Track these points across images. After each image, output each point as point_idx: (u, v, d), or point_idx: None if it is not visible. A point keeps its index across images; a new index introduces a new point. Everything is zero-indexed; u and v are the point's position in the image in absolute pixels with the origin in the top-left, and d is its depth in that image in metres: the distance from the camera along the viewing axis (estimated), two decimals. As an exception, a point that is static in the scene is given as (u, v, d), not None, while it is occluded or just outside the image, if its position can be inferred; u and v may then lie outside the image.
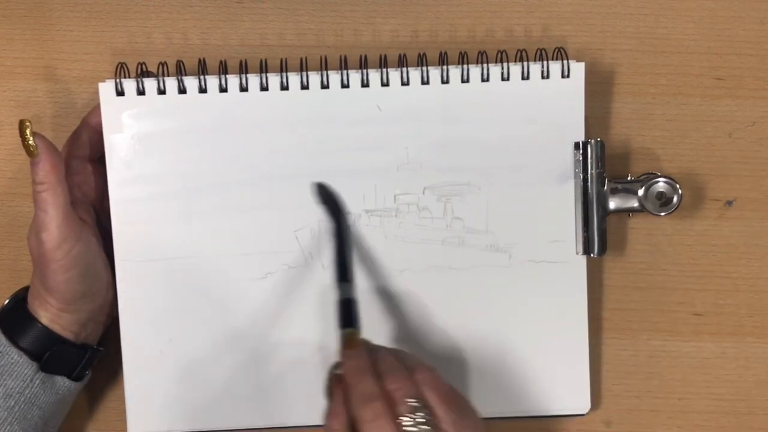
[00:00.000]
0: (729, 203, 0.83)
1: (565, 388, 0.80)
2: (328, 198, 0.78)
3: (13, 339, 0.74)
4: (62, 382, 0.76)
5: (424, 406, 0.65)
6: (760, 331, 0.83)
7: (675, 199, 0.78)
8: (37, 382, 0.75)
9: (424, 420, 0.65)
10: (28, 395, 0.74)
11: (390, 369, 0.68)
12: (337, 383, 0.68)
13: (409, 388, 0.66)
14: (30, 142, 0.70)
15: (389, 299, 0.79)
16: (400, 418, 0.64)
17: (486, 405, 0.80)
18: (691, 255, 0.83)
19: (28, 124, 0.70)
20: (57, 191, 0.71)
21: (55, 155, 0.72)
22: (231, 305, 0.79)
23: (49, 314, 0.74)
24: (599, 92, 0.82)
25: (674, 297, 0.83)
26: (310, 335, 0.79)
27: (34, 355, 0.74)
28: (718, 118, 0.82)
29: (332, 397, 0.68)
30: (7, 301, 0.77)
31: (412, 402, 0.65)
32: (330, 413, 0.67)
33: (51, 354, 0.75)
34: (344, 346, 0.70)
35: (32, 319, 0.74)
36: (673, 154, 0.83)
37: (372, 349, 0.70)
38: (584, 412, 0.81)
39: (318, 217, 0.78)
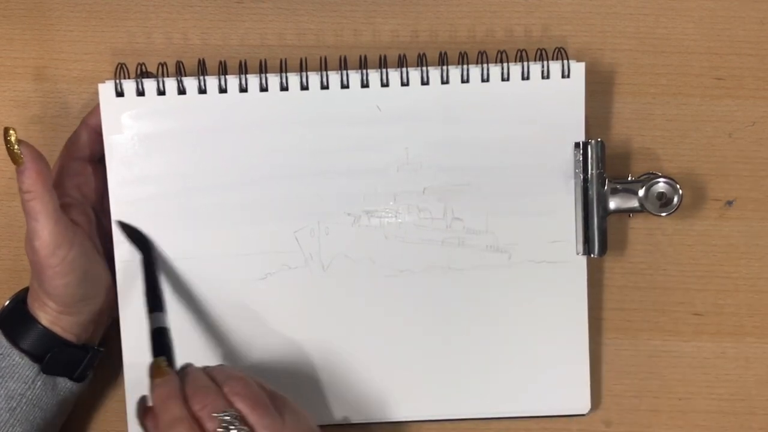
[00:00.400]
0: (729, 203, 0.83)
1: (565, 388, 0.80)
2: (131, 233, 0.78)
3: (14, 340, 0.74)
4: (64, 383, 0.76)
5: (236, 417, 0.65)
6: (760, 331, 0.83)
7: (675, 199, 0.78)
8: (39, 383, 0.74)
9: (235, 431, 0.65)
10: (30, 397, 0.74)
11: (196, 389, 0.67)
12: (146, 414, 0.68)
13: (216, 403, 0.66)
14: (15, 150, 0.69)
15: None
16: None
17: (486, 405, 0.80)
18: (691, 255, 0.83)
19: (12, 132, 0.69)
20: (45, 199, 0.70)
21: (40, 163, 0.70)
22: (231, 305, 0.79)
23: (49, 316, 0.74)
24: (599, 92, 0.82)
25: (674, 297, 0.83)
26: (310, 335, 0.79)
27: (35, 356, 0.74)
28: (718, 118, 0.82)
29: (145, 427, 0.68)
30: (7, 302, 0.77)
31: (220, 416, 0.65)
32: None
33: (52, 356, 0.74)
34: (152, 375, 0.69)
35: (33, 321, 0.74)
36: (673, 154, 0.83)
37: (185, 374, 0.69)
38: (584, 412, 0.81)
39: (318, 218, 0.78)
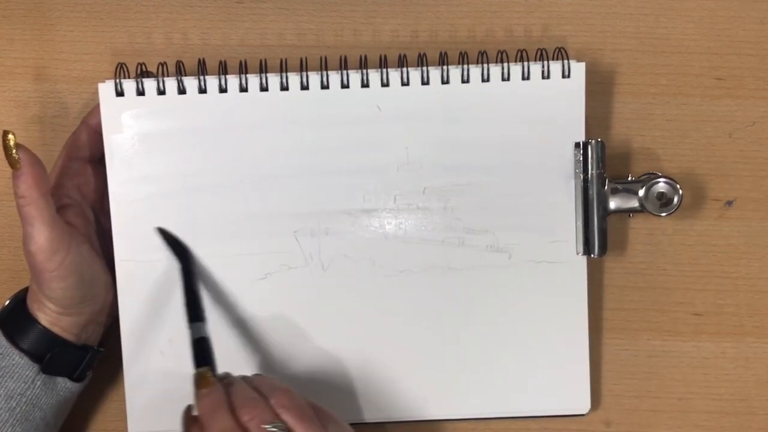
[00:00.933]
0: (729, 203, 0.83)
1: (565, 389, 0.80)
2: (171, 240, 0.78)
3: (14, 340, 0.74)
4: (63, 383, 0.76)
5: (283, 429, 0.66)
6: (760, 331, 0.83)
7: (675, 199, 0.78)
8: (39, 383, 0.75)
9: None
10: (30, 397, 0.74)
11: (244, 400, 0.68)
12: (193, 424, 0.68)
13: (264, 414, 0.66)
14: (13, 154, 0.69)
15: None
16: None
17: (486, 405, 0.80)
18: (691, 255, 0.83)
19: (11, 136, 0.69)
20: (40, 205, 0.70)
21: (38, 169, 0.70)
22: (231, 305, 0.78)
23: (48, 317, 0.74)
24: (599, 92, 0.82)
25: (674, 297, 0.83)
26: (309, 335, 0.79)
27: (35, 356, 0.74)
28: (718, 118, 0.83)
29: None
30: (7, 302, 0.77)
31: (269, 427, 0.65)
32: None
33: (52, 356, 0.74)
34: (198, 386, 0.70)
35: (32, 321, 0.74)
36: (673, 154, 0.83)
37: (228, 383, 0.70)
38: (584, 412, 0.81)
39: (318, 218, 0.78)
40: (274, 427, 0.66)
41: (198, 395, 0.69)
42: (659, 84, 0.82)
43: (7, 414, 0.73)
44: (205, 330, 0.74)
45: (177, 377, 0.79)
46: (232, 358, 0.79)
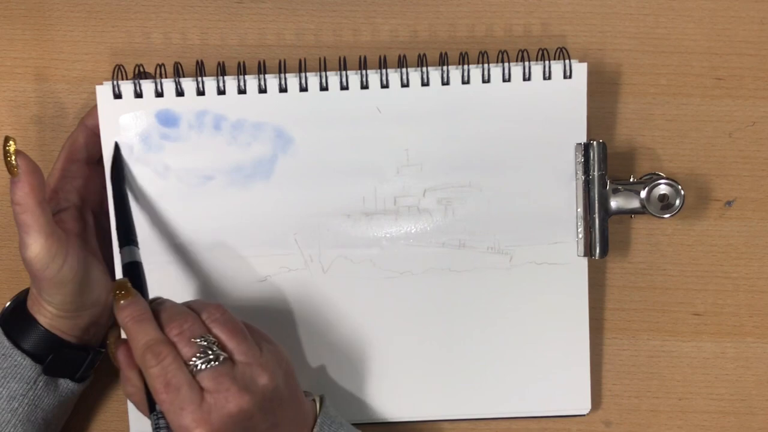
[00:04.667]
0: (729, 203, 0.83)
1: (566, 389, 0.80)
2: (115, 160, 0.77)
3: (15, 341, 0.74)
4: (65, 383, 0.76)
5: (214, 343, 0.65)
6: (760, 331, 0.83)
7: (677, 202, 0.78)
8: (41, 384, 0.75)
9: (213, 356, 0.64)
10: (32, 397, 0.74)
11: (172, 315, 0.67)
12: (118, 345, 0.67)
13: (194, 328, 0.66)
14: (12, 160, 0.69)
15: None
16: (191, 358, 0.64)
17: (486, 405, 0.80)
18: (691, 255, 0.83)
19: (12, 142, 0.69)
20: (36, 213, 0.70)
21: (36, 177, 0.70)
22: (231, 307, 0.78)
23: (48, 319, 0.74)
24: (599, 92, 0.82)
25: (674, 297, 0.83)
26: (309, 337, 0.79)
27: (36, 356, 0.74)
28: (718, 118, 0.82)
29: (118, 361, 0.67)
30: (8, 303, 0.77)
31: (198, 341, 0.65)
32: (123, 379, 0.67)
33: (54, 357, 0.75)
34: (116, 297, 0.67)
35: (33, 322, 0.74)
36: (673, 154, 0.83)
37: (159, 304, 0.68)
38: (584, 413, 0.81)
39: (318, 220, 0.78)
40: (204, 340, 0.65)
41: (117, 308, 0.67)
42: (659, 84, 0.82)
43: (10, 415, 0.73)
44: (137, 254, 0.72)
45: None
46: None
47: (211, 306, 0.68)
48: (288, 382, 0.69)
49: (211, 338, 0.65)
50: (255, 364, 0.66)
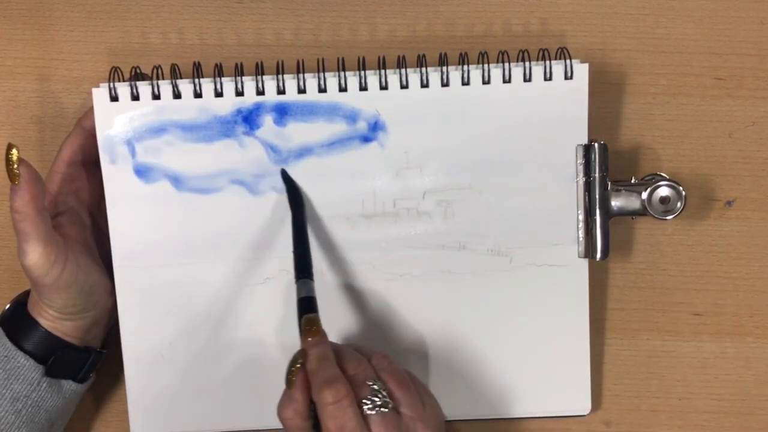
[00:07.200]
0: (729, 203, 0.83)
1: (566, 390, 0.80)
2: (290, 185, 0.77)
3: (17, 342, 0.74)
4: (68, 384, 0.77)
5: (383, 389, 0.66)
6: (760, 331, 0.83)
7: (679, 204, 0.78)
8: (44, 385, 0.75)
9: (382, 402, 0.65)
10: (35, 399, 0.74)
11: (349, 356, 0.68)
12: (297, 371, 0.67)
13: (368, 372, 0.67)
14: (14, 168, 0.68)
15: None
16: (362, 400, 0.65)
17: (488, 406, 0.80)
18: (691, 255, 0.83)
19: (15, 150, 0.68)
20: (35, 221, 0.70)
21: (36, 186, 0.69)
22: (230, 309, 0.78)
23: (50, 321, 0.75)
24: (599, 92, 0.82)
25: (674, 297, 0.83)
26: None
27: (39, 357, 0.74)
28: (718, 118, 0.82)
29: (291, 384, 0.67)
30: (8, 306, 0.77)
31: (371, 385, 0.66)
32: (284, 401, 0.67)
33: (56, 358, 0.75)
34: (305, 334, 0.68)
35: (35, 324, 0.75)
36: (673, 154, 0.83)
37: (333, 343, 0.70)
38: (585, 413, 0.81)
39: (317, 222, 0.78)
40: (375, 384, 0.66)
41: (304, 343, 0.68)
42: (659, 84, 0.82)
43: (13, 416, 0.73)
44: (311, 288, 0.72)
45: (178, 379, 0.79)
46: (232, 358, 0.79)
47: (379, 354, 0.70)
48: None
49: (381, 384, 0.67)
50: (418, 419, 0.67)
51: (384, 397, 0.66)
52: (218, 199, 0.78)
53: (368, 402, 0.65)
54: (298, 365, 0.66)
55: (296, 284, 0.72)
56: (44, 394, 0.75)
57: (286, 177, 0.77)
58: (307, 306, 0.70)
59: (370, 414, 0.65)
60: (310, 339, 0.68)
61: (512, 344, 0.79)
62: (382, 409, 0.65)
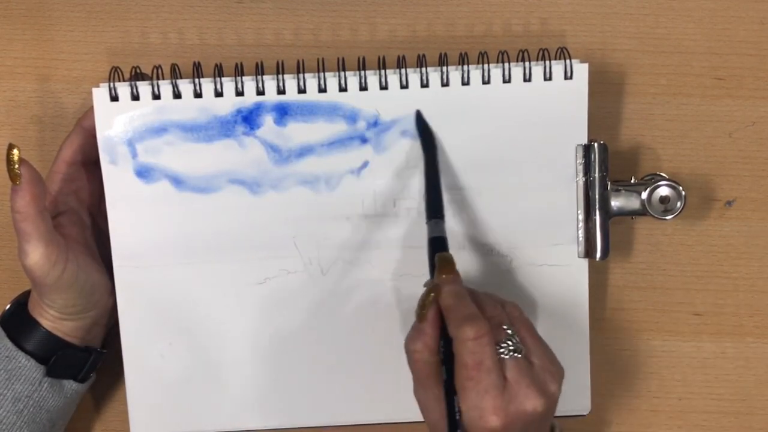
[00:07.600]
0: (729, 203, 0.83)
1: (566, 390, 0.80)
2: (423, 128, 0.77)
3: (18, 343, 0.75)
4: (69, 384, 0.77)
5: (515, 334, 0.66)
6: (760, 331, 0.83)
7: (679, 204, 0.78)
8: (45, 385, 0.75)
9: (515, 348, 0.65)
10: (37, 399, 0.74)
11: (486, 299, 0.69)
12: (431, 305, 0.66)
13: (502, 317, 0.67)
14: (15, 169, 0.68)
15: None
16: (498, 343, 0.65)
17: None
18: (691, 255, 0.83)
19: (16, 150, 0.68)
20: (36, 221, 0.70)
21: (37, 186, 0.70)
22: (230, 309, 0.78)
23: (50, 322, 0.75)
24: (599, 92, 0.82)
25: (674, 297, 0.83)
26: (309, 339, 0.79)
27: (40, 357, 0.75)
28: (718, 118, 0.82)
29: (423, 318, 0.66)
30: (8, 306, 0.77)
31: (506, 329, 0.66)
32: (413, 334, 0.67)
33: (57, 358, 0.75)
34: (441, 271, 0.67)
35: (35, 324, 0.75)
36: (673, 154, 0.83)
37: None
38: (585, 413, 0.81)
39: (317, 222, 0.78)
40: (509, 329, 0.66)
41: (439, 279, 0.67)
42: (659, 84, 0.82)
43: (15, 416, 0.74)
44: (443, 229, 0.72)
45: (178, 379, 0.79)
46: (232, 358, 0.79)
47: (510, 303, 0.70)
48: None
49: (515, 330, 0.67)
50: (547, 371, 0.67)
51: (517, 342, 0.66)
52: (218, 199, 0.77)
53: (503, 346, 0.65)
54: (431, 299, 0.66)
55: (427, 224, 0.72)
56: (45, 394, 0.75)
57: (420, 119, 0.77)
58: (439, 245, 0.70)
59: (505, 358, 0.65)
60: (444, 276, 0.67)
61: (512, 344, 0.79)
62: (516, 354, 0.65)
